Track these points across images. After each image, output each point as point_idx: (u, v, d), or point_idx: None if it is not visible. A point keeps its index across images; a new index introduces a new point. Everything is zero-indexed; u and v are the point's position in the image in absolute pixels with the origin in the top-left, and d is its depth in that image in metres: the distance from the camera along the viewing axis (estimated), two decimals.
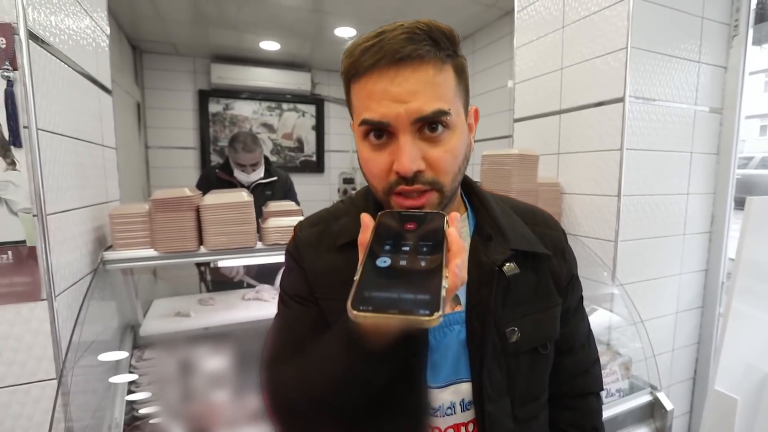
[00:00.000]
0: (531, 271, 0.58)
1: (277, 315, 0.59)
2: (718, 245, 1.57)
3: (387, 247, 0.39)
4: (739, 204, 1.51)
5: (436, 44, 0.47)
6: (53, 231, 0.82)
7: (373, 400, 0.46)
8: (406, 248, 0.39)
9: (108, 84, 1.28)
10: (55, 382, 0.81)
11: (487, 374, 0.54)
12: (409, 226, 0.43)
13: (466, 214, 0.61)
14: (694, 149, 1.48)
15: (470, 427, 0.56)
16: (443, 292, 0.34)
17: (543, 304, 0.58)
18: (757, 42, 1.52)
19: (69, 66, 0.97)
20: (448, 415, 0.55)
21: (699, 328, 1.64)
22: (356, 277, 0.36)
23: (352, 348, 0.42)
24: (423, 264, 0.37)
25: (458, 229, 0.40)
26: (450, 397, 0.55)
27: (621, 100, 1.32)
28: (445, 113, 0.47)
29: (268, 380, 0.53)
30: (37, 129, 0.78)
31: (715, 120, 1.52)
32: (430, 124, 0.47)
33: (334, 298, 0.34)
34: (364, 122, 0.48)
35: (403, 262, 0.38)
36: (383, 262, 0.38)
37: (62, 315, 0.84)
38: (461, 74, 0.51)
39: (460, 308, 0.55)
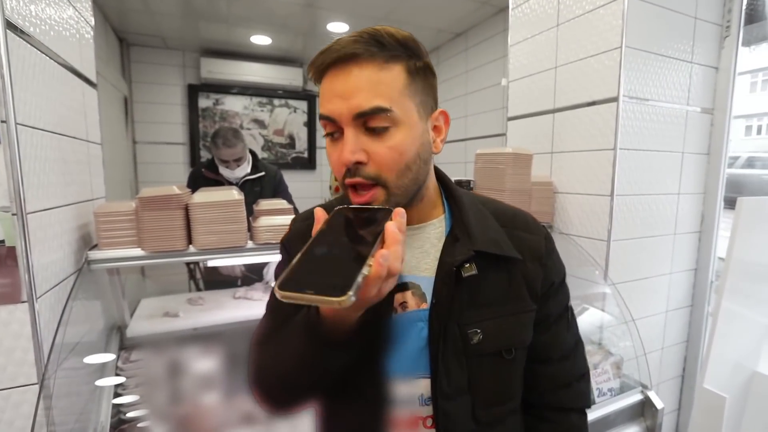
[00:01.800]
0: (501, 274, 0.58)
1: (267, 302, 0.63)
2: (708, 245, 1.58)
3: (330, 238, 0.43)
4: (728, 203, 1.52)
5: (380, 45, 0.50)
6: (34, 230, 0.79)
7: (333, 384, 0.52)
8: (345, 239, 0.43)
9: (93, 77, 1.24)
10: (37, 387, 0.78)
11: (445, 372, 0.54)
12: (357, 220, 0.46)
13: (443, 216, 0.61)
14: (685, 149, 1.49)
15: (428, 422, 0.57)
16: (359, 278, 0.37)
17: (512, 308, 0.58)
18: (746, 43, 1.54)
19: (51, 58, 0.93)
20: (405, 407, 0.57)
21: (688, 327, 1.66)
22: (292, 262, 0.40)
23: (310, 335, 0.47)
24: (353, 253, 0.40)
25: (399, 223, 0.43)
26: (409, 390, 0.57)
27: (615, 99, 1.32)
28: (383, 110, 0.49)
29: (251, 360, 0.57)
30: (16, 124, 0.74)
31: (706, 120, 1.53)
32: (372, 120, 0.49)
33: None
34: (320, 117, 0.53)
35: (336, 251, 0.42)
36: (320, 250, 0.42)
37: (44, 317, 0.81)
38: (416, 76, 0.52)
39: (425, 306, 0.56)
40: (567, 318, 0.66)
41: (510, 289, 0.58)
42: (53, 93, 0.93)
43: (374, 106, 0.48)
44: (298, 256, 0.40)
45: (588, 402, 0.68)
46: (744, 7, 1.46)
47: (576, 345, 0.67)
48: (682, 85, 1.44)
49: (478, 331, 0.55)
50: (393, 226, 0.42)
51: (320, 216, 0.46)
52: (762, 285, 1.34)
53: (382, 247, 0.41)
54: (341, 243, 0.43)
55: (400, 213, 0.44)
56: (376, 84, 0.49)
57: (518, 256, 0.58)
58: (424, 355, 0.56)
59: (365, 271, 0.38)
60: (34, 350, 0.78)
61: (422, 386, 0.56)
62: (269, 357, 0.55)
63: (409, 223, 0.55)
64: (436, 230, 0.60)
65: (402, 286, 0.57)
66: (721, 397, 1.16)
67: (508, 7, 1.73)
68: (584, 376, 0.68)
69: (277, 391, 0.55)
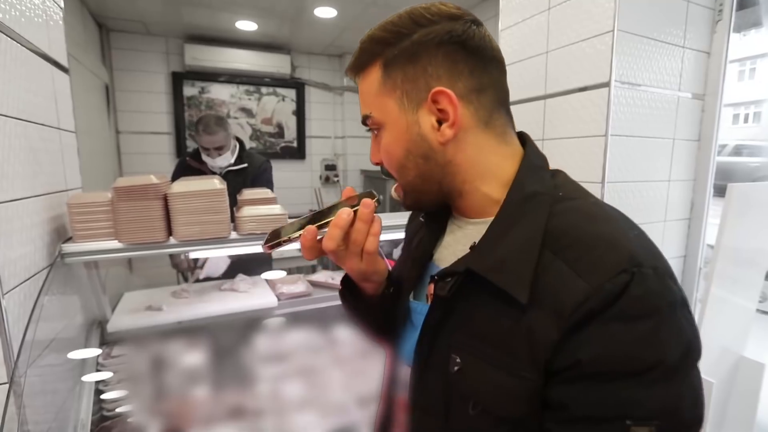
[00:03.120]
0: (501, 309, 0.42)
1: None
2: (697, 231, 1.58)
3: (330, 209, 0.52)
4: (717, 191, 1.52)
5: (361, 52, 0.51)
6: None
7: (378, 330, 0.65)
8: (332, 212, 0.50)
9: (64, 61, 1.18)
10: (6, 386, 0.75)
11: (421, 386, 0.51)
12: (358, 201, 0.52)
13: None
14: (676, 136, 1.48)
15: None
16: (282, 238, 0.51)
17: (502, 360, 0.42)
18: (738, 29, 1.52)
19: (14, 40, 0.87)
20: (406, 391, 0.57)
21: None
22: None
23: (346, 288, 0.63)
24: (313, 221, 0.51)
25: (361, 213, 0.49)
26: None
27: (607, 84, 1.29)
28: (366, 117, 0.53)
29: None
30: None
31: (697, 106, 1.52)
32: (371, 127, 0.54)
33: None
34: None
35: (314, 217, 0.52)
36: (312, 215, 0.53)
37: (13, 314, 0.77)
38: (393, 66, 0.49)
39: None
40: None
41: (505, 334, 0.42)
42: (17, 78, 0.88)
43: (362, 116, 0.53)
44: (302, 217, 0.54)
45: None
46: None
47: None
48: (673, 71, 1.42)
49: (458, 359, 0.45)
50: (345, 213, 0.48)
51: (346, 192, 0.54)
52: (749, 270, 1.34)
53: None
54: (325, 213, 0.51)
55: (364, 204, 0.49)
56: (362, 95, 0.53)
57: (518, 296, 0.40)
58: None
59: (294, 235, 0.49)
60: (3, 348, 0.74)
61: None
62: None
63: (464, 214, 0.55)
64: (483, 229, 0.50)
65: (434, 277, 0.53)
66: (708, 383, 1.17)
67: None
68: None
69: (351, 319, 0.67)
